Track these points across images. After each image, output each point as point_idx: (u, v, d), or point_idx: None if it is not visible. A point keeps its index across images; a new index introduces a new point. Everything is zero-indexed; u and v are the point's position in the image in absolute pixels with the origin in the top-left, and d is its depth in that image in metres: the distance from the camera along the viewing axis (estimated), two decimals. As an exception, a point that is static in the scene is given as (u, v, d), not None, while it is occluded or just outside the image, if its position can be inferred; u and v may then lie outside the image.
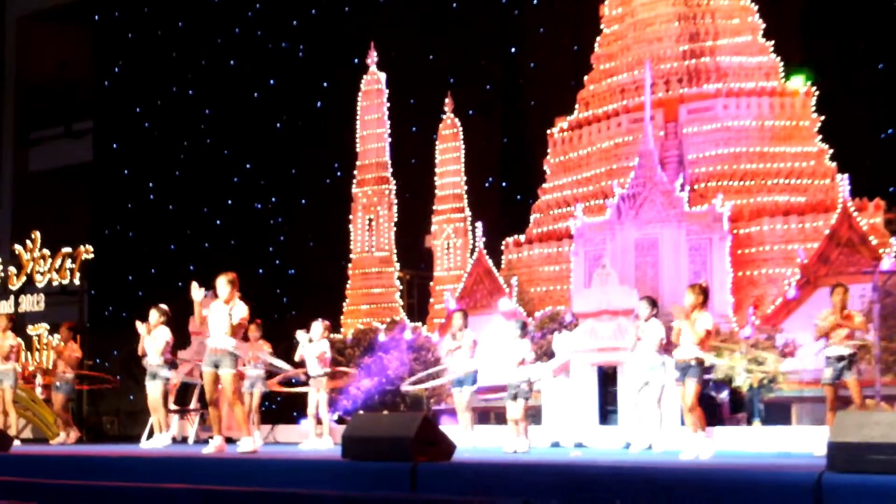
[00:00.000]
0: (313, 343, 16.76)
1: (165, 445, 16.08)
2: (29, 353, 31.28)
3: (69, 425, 19.02)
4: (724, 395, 20.04)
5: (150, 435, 17.39)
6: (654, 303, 15.97)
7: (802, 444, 15.96)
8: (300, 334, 16.92)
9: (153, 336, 16.20)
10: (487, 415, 23.01)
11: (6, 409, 18.26)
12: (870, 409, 15.05)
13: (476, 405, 16.96)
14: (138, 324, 15.92)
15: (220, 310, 13.16)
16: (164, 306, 16.37)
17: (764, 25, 25.91)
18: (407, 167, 29.61)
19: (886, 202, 22.51)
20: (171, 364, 16.83)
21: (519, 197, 28.73)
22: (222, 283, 13.18)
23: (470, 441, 16.42)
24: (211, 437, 13.64)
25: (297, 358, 17.19)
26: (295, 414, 22.84)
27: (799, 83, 24.88)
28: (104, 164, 32.41)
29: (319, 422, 17.08)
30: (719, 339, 18.22)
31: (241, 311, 13.12)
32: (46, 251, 31.80)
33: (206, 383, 13.44)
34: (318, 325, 16.93)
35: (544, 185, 26.89)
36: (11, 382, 18.12)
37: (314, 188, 30.87)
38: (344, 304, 28.72)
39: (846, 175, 21.75)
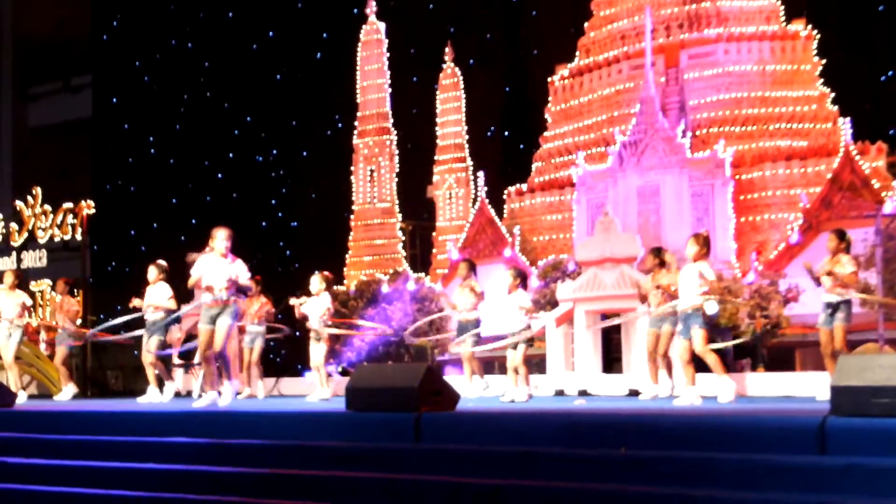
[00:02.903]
0: (315, 298, 16.56)
1: (169, 399, 16.03)
2: (32, 309, 31.27)
3: (69, 380, 19.01)
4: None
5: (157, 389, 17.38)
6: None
7: (806, 388, 16.00)
8: (294, 301, 16.77)
9: (153, 291, 16.11)
10: (492, 364, 23.02)
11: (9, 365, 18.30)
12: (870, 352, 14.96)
13: (481, 355, 16.91)
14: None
15: (220, 264, 12.99)
16: (162, 262, 16.28)
17: (764, -31, 25.76)
18: (408, 117, 29.54)
19: (888, 145, 22.46)
20: (175, 320, 16.77)
21: (521, 146, 28.64)
22: (222, 236, 13.00)
23: (475, 391, 16.39)
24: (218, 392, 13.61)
25: (298, 316, 17.11)
26: (299, 367, 22.87)
27: (800, 27, 24.78)
28: (104, 119, 32.29)
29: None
30: (722, 285, 18.17)
31: (244, 269, 12.97)
32: (48, 207, 31.63)
33: (202, 339, 13.27)
34: (317, 279, 16.58)
35: (546, 134, 26.81)
36: (19, 338, 18.14)
37: (315, 140, 30.78)
38: (347, 255, 28.73)
39: (848, 119, 21.68)
